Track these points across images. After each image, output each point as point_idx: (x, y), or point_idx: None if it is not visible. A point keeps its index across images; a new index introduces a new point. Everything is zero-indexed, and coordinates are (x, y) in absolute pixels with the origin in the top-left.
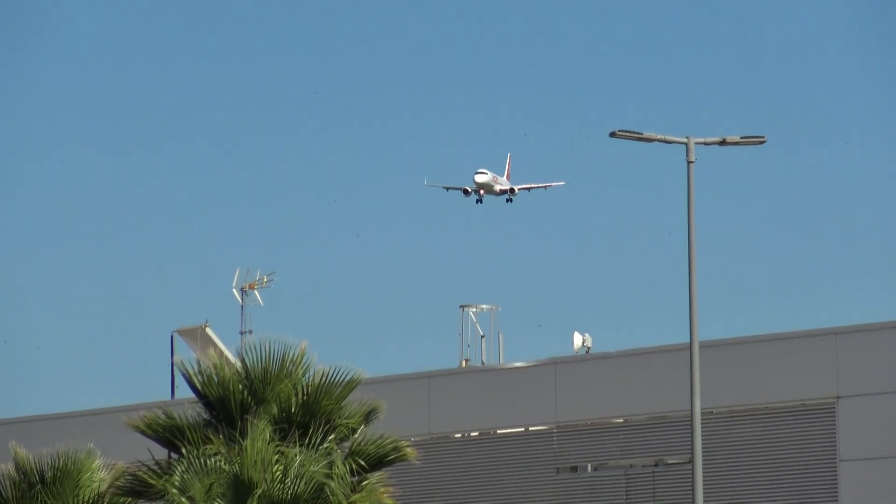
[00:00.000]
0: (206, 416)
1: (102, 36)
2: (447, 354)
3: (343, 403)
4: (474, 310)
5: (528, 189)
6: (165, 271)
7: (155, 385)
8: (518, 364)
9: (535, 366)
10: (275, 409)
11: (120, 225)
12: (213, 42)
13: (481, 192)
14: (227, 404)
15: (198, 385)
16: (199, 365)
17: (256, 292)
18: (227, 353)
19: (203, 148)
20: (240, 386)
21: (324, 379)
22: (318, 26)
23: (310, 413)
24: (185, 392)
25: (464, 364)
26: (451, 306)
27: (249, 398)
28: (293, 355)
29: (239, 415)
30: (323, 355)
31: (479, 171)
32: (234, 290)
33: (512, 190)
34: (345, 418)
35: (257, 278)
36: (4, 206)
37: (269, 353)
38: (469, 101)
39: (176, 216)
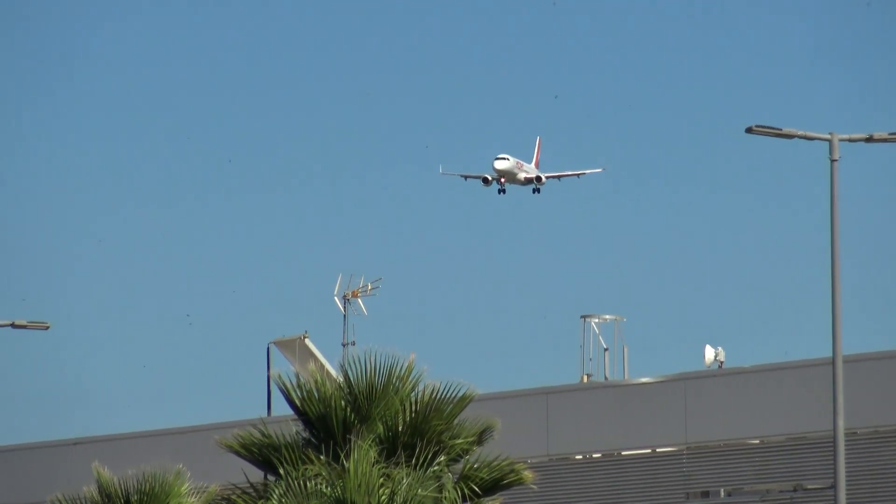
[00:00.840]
0: (305, 434)
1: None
2: (567, 369)
3: (454, 422)
4: (596, 320)
5: (558, 177)
6: (262, 278)
7: (250, 401)
8: (644, 380)
9: (663, 381)
10: (380, 428)
11: (212, 229)
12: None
13: (503, 180)
14: (328, 422)
15: (296, 401)
16: (297, 379)
17: (360, 300)
18: (328, 366)
19: (299, 151)
20: (342, 402)
21: (434, 395)
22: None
23: (418, 432)
24: (282, 409)
25: (585, 379)
26: (571, 316)
27: (353, 416)
28: (400, 369)
29: (341, 434)
30: (432, 369)
31: (500, 156)
32: (335, 298)
33: (539, 178)
34: (456, 438)
35: (361, 285)
36: (96, 215)
37: (374, 366)
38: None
39: (273, 219)
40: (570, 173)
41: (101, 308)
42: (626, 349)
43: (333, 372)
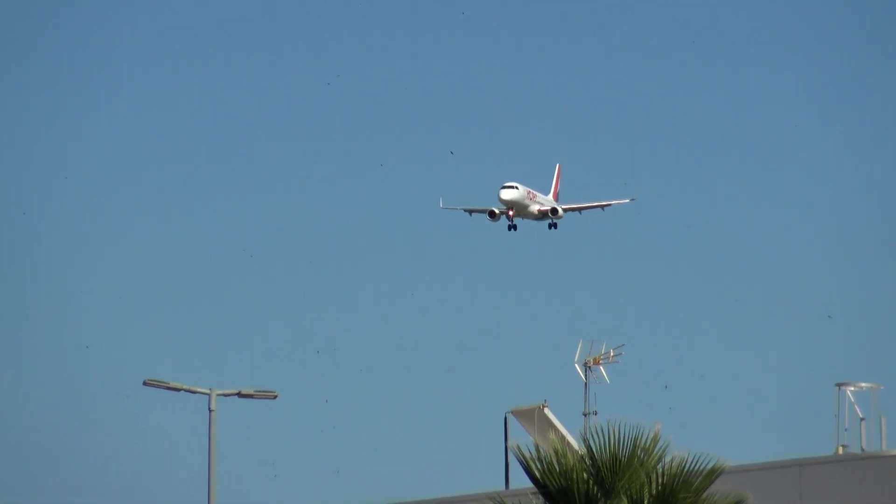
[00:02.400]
0: None
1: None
2: (821, 439)
3: (703, 495)
4: (852, 388)
5: (580, 210)
6: (499, 344)
7: (487, 473)
8: None
9: None
10: (625, 502)
11: (446, 294)
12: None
13: (511, 213)
14: (569, 495)
15: (536, 473)
16: (537, 450)
17: (602, 368)
18: (568, 437)
19: None
20: (584, 475)
21: (681, 467)
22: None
23: None
24: (521, 481)
25: (840, 450)
26: (825, 384)
27: (596, 489)
28: (645, 440)
29: None
30: (679, 440)
31: (507, 184)
32: (576, 366)
33: (555, 211)
34: None
35: (603, 352)
36: (327, 280)
37: (618, 437)
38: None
39: (509, 281)
40: (593, 204)
41: (329, 374)
42: (883, 419)
43: (574, 443)
